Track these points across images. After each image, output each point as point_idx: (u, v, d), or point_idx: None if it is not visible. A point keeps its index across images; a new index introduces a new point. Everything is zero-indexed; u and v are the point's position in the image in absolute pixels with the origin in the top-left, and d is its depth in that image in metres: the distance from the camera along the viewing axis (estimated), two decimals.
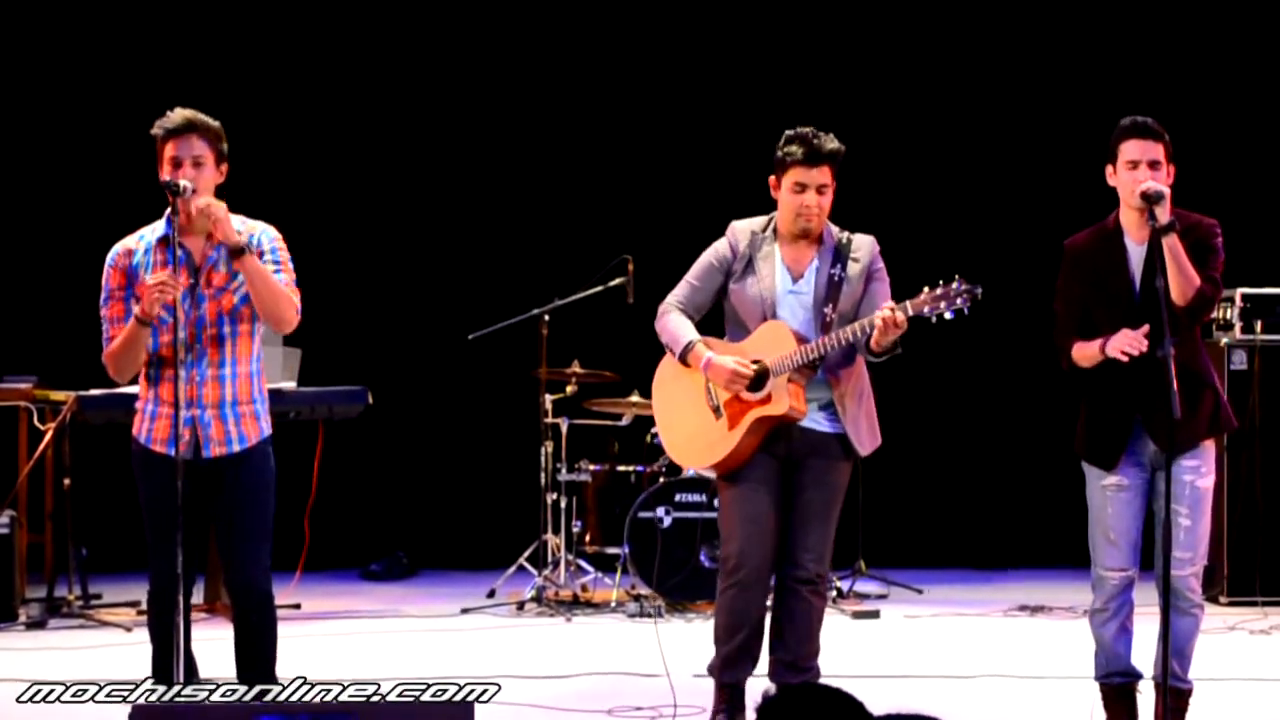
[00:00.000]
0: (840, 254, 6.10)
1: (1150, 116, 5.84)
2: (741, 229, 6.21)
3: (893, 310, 5.72)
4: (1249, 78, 11.15)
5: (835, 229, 6.17)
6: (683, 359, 6.16)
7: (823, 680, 6.26)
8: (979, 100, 11.28)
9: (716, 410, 6.12)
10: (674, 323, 6.21)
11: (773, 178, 6.12)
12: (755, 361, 6.02)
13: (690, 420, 6.21)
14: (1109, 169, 5.84)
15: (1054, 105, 11.02)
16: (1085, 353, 5.80)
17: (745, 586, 6.05)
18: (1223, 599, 9.34)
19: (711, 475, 6.45)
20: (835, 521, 6.17)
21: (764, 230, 6.18)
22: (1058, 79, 11.17)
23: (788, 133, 6.10)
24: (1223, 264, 5.81)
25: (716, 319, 6.35)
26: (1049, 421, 10.02)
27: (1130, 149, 5.77)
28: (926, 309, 5.72)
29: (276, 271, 5.69)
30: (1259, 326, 9.37)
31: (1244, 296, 9.39)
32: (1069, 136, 10.43)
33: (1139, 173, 5.73)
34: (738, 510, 6.08)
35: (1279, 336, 9.39)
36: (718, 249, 6.23)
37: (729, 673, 6.14)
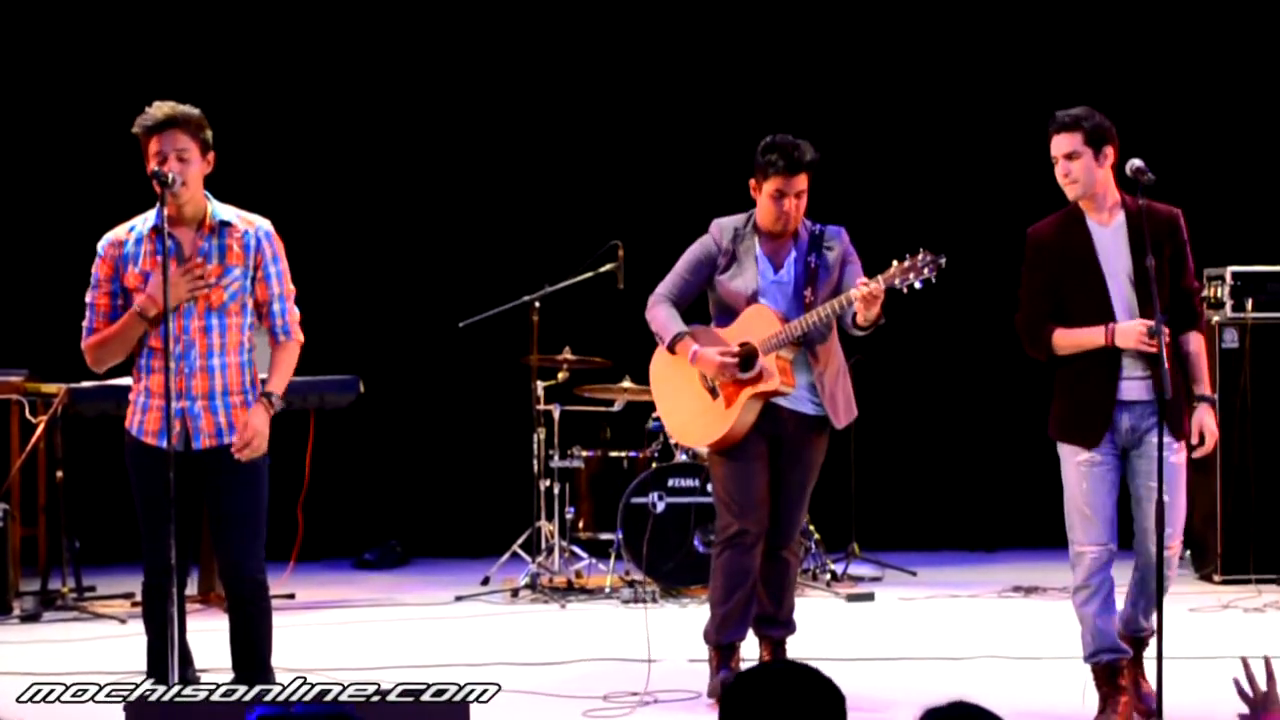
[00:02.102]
0: (815, 244, 6.63)
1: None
2: (725, 225, 6.73)
3: (867, 284, 6.19)
4: (1237, 56, 11.13)
5: (808, 222, 6.68)
6: (671, 349, 6.67)
7: (801, 660, 6.44)
8: (959, 90, 11.27)
9: (713, 391, 6.61)
10: (663, 314, 6.71)
11: (753, 180, 6.63)
12: (744, 344, 6.50)
13: (690, 402, 6.70)
14: None
15: (1034, 88, 11.00)
16: (1071, 340, 5.94)
17: (744, 550, 6.55)
18: (1216, 577, 9.36)
19: (704, 451, 6.98)
20: (811, 490, 6.77)
21: (745, 226, 6.69)
22: (1035, 63, 11.14)
23: (768, 140, 6.60)
24: (1190, 251, 6.06)
25: (700, 306, 6.83)
26: (1041, 403, 10.01)
27: (1052, 146, 6.02)
28: (897, 280, 6.18)
29: (279, 276, 5.75)
30: (1250, 305, 9.37)
31: (1234, 275, 9.38)
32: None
33: (1059, 167, 5.99)
34: (735, 482, 6.58)
35: (1270, 315, 9.38)
36: (705, 244, 6.74)
37: (726, 634, 6.60)
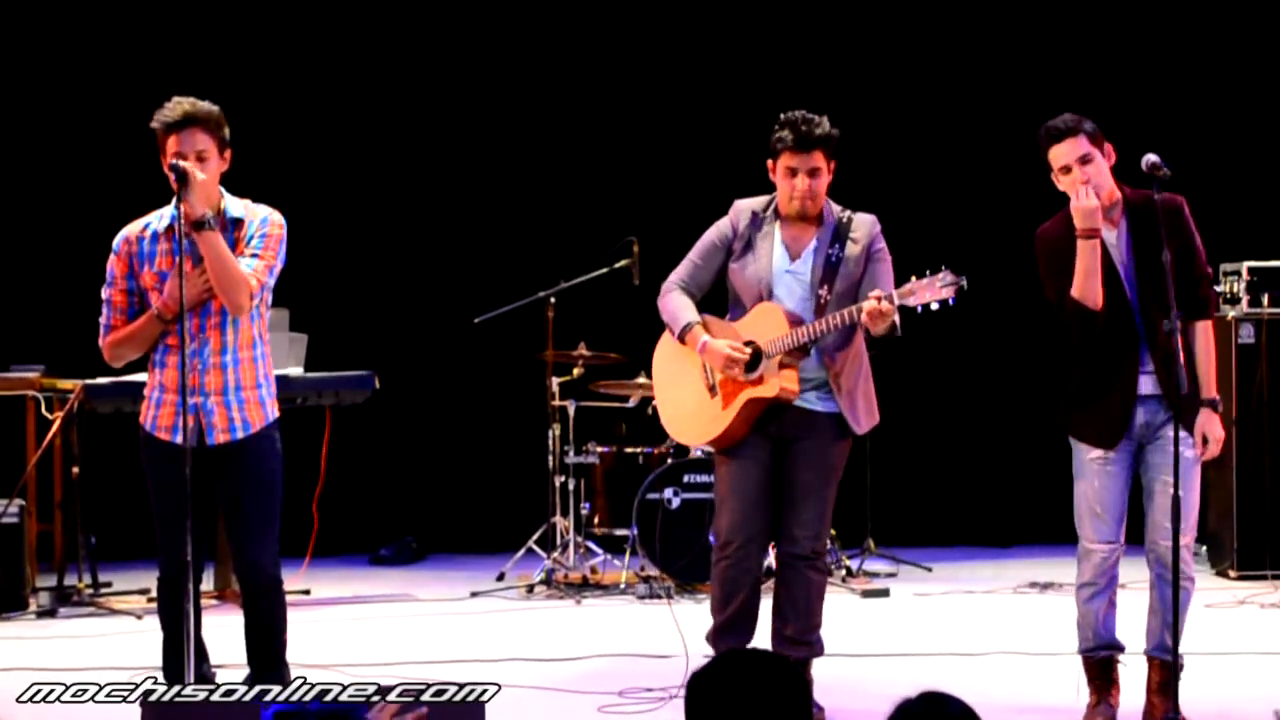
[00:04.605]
0: (839, 234, 6.17)
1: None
2: (743, 208, 6.32)
3: (879, 300, 5.81)
4: (1251, 51, 11.09)
5: (836, 208, 6.25)
6: (680, 338, 6.29)
7: (826, 655, 6.42)
8: (976, 85, 11.24)
9: (712, 389, 6.25)
10: (675, 302, 6.33)
11: (769, 161, 6.23)
12: (749, 343, 6.13)
13: (688, 397, 6.35)
14: (1054, 178, 5.94)
15: (1044, 86, 10.96)
16: (1077, 284, 5.80)
17: (737, 559, 6.19)
18: (1232, 573, 9.35)
19: (710, 450, 6.57)
20: (831, 499, 6.27)
21: (765, 210, 6.28)
22: (1052, 64, 11.11)
23: (781, 117, 6.21)
24: (1199, 237, 5.93)
25: (720, 296, 6.44)
26: (1056, 399, 10.00)
27: (1057, 155, 5.88)
28: (912, 299, 5.81)
29: (254, 255, 5.69)
30: (1266, 300, 9.36)
31: (1251, 270, 9.37)
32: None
33: (1075, 174, 5.83)
34: (730, 485, 6.22)
35: None
36: (720, 227, 6.34)
37: (725, 640, 6.23)
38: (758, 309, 6.18)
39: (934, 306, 5.80)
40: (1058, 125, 5.86)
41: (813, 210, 6.18)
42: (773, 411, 6.16)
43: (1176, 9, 11.13)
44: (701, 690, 3.25)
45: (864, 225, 6.22)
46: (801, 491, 6.19)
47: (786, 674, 3.25)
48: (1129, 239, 5.86)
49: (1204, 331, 5.93)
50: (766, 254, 6.19)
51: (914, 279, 5.83)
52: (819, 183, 6.14)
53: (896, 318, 5.90)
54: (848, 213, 6.24)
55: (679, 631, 6.97)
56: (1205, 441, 5.85)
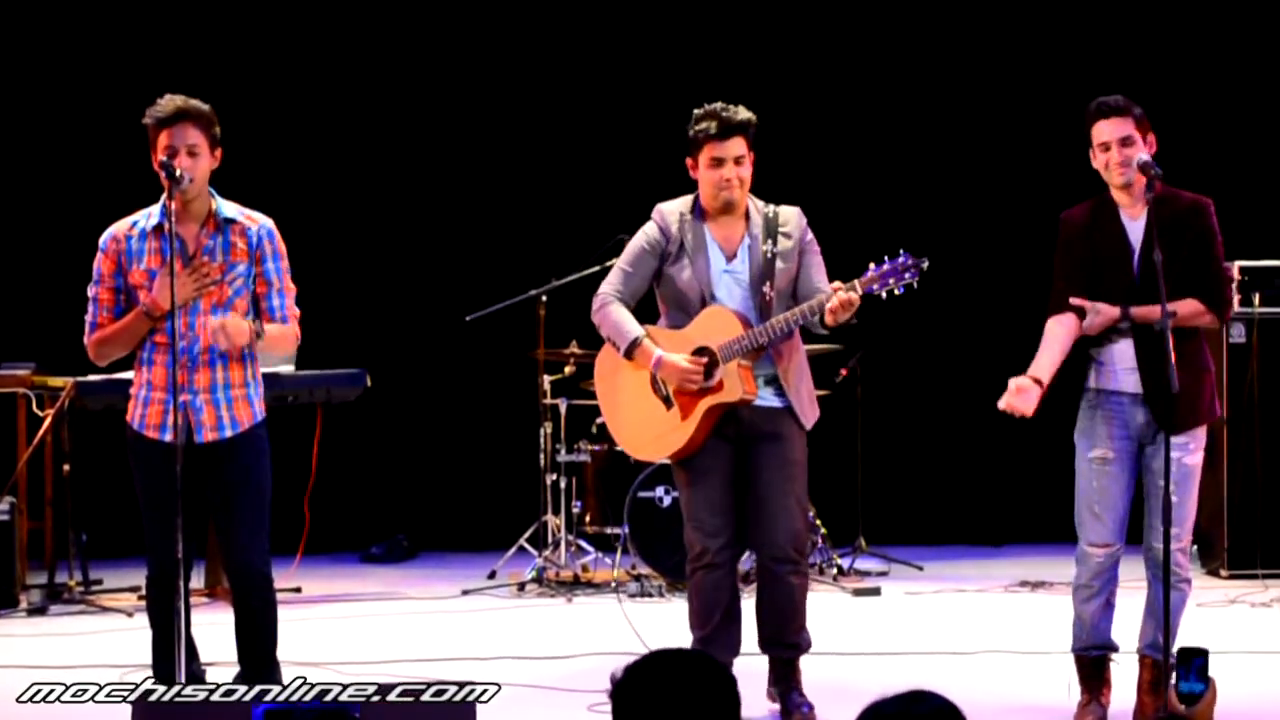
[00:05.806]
0: (770, 229, 6.10)
1: (1143, 87, 5.89)
2: (669, 210, 6.22)
3: (843, 291, 5.77)
4: (1243, 51, 11.11)
5: (760, 203, 6.19)
6: (628, 355, 6.14)
7: (812, 654, 6.41)
8: (961, 75, 11.24)
9: (666, 400, 6.12)
10: (616, 315, 6.19)
11: (689, 159, 6.19)
12: (703, 348, 6.03)
13: (639, 411, 6.21)
14: (1091, 154, 5.87)
15: (1040, 79, 10.97)
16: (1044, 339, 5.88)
17: (711, 569, 6.12)
18: (1223, 572, 9.36)
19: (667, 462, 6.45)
20: (803, 496, 6.19)
21: (690, 211, 6.18)
22: (1040, 47, 11.13)
23: (696, 111, 6.17)
24: (1221, 242, 5.88)
25: (650, 302, 6.37)
26: (1049, 397, 9.99)
27: (1100, 131, 5.83)
28: (875, 286, 5.78)
29: (281, 293, 5.79)
30: (1257, 299, 9.36)
31: (1241, 269, 9.36)
32: (1065, 107, 10.39)
33: (1113, 153, 5.78)
34: (695, 496, 6.14)
35: (1278, 309, 9.37)
36: (648, 233, 6.23)
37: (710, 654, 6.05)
38: (707, 312, 6.09)
39: (898, 291, 5.77)
40: (1109, 101, 5.82)
41: (739, 200, 6.11)
42: (730, 413, 6.09)
43: (1170, 9, 11.15)
44: (628, 692, 3.21)
45: (792, 218, 6.17)
46: (769, 492, 6.09)
47: (714, 674, 3.22)
48: (1147, 233, 5.76)
49: (1196, 306, 5.80)
50: (702, 256, 6.11)
51: (873, 266, 5.80)
52: (744, 170, 6.09)
53: None
54: (772, 207, 6.18)
55: (635, 633, 6.98)
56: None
